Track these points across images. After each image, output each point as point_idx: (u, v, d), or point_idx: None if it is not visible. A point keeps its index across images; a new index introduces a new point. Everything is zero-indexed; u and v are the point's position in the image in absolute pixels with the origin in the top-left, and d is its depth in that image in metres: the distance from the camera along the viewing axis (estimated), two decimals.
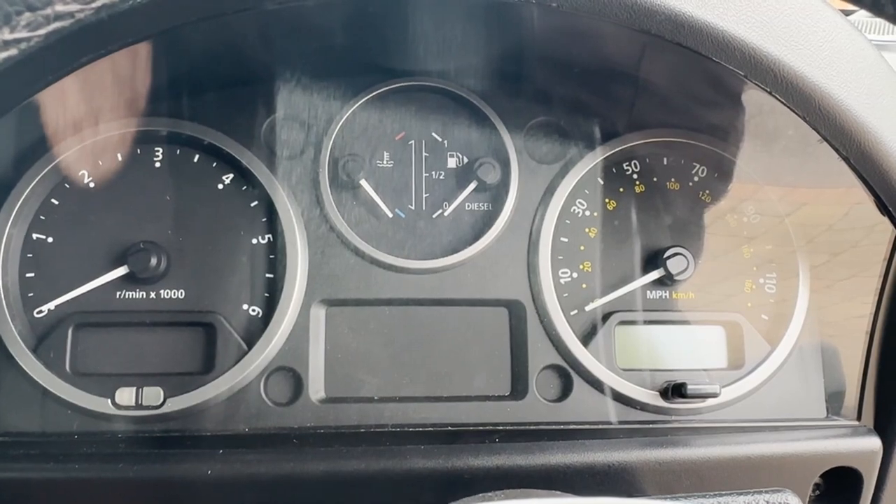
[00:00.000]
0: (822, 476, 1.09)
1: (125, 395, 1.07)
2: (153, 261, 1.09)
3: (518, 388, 1.15)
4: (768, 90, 0.87)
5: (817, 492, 1.12)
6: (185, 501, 1.00)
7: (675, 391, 1.13)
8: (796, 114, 0.88)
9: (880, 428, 1.12)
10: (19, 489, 0.99)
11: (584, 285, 1.19)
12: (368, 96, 1.19)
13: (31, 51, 0.53)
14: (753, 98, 1.08)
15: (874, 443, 1.10)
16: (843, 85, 0.86)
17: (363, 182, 1.17)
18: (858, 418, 1.15)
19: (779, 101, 0.88)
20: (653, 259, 1.19)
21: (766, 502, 0.81)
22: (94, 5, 0.55)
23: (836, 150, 0.89)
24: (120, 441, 1.06)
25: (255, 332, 1.12)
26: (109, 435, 1.07)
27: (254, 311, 1.13)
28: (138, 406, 1.07)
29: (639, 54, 1.09)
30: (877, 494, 1.10)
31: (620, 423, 1.15)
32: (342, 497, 1.00)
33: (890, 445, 1.10)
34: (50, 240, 1.12)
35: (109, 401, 1.07)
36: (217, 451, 1.01)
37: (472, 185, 1.18)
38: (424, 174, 1.20)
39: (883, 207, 0.91)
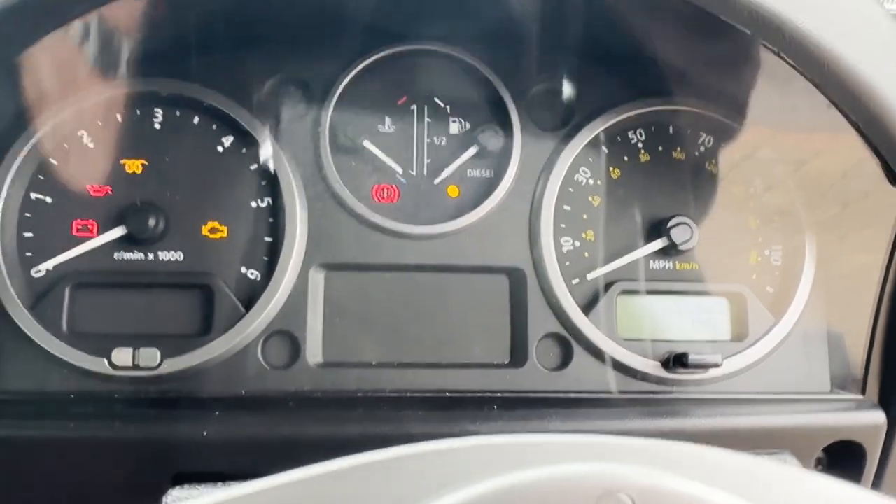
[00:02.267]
0: (824, 450, 1.07)
1: (122, 356, 1.06)
2: (151, 221, 1.09)
3: (518, 356, 1.14)
4: (776, 50, 0.85)
5: (820, 466, 1.10)
6: (180, 462, 1.00)
7: (676, 361, 1.11)
8: (805, 76, 0.87)
9: (885, 402, 1.11)
10: (15, 447, 0.99)
11: (586, 254, 1.18)
12: (370, 60, 1.17)
13: None
14: (763, 65, 1.06)
15: (878, 417, 1.09)
16: (854, 48, 0.84)
17: (367, 143, 1.15)
18: (863, 392, 1.14)
19: (787, 62, 0.86)
20: (656, 228, 1.18)
21: None
22: None
23: (846, 116, 0.88)
24: (116, 401, 1.05)
25: (253, 295, 1.11)
26: (106, 395, 1.06)
27: (252, 274, 1.13)
28: (135, 367, 1.06)
29: (646, 18, 1.07)
30: (880, 469, 1.09)
31: (621, 392, 1.13)
32: None
33: (894, 420, 1.08)
34: (48, 200, 1.12)
35: (106, 361, 1.06)
36: (213, 412, 1.01)
37: (473, 150, 1.17)
38: (426, 140, 1.19)
39: (891, 175, 0.90)
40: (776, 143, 1.21)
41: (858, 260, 1.19)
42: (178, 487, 0.89)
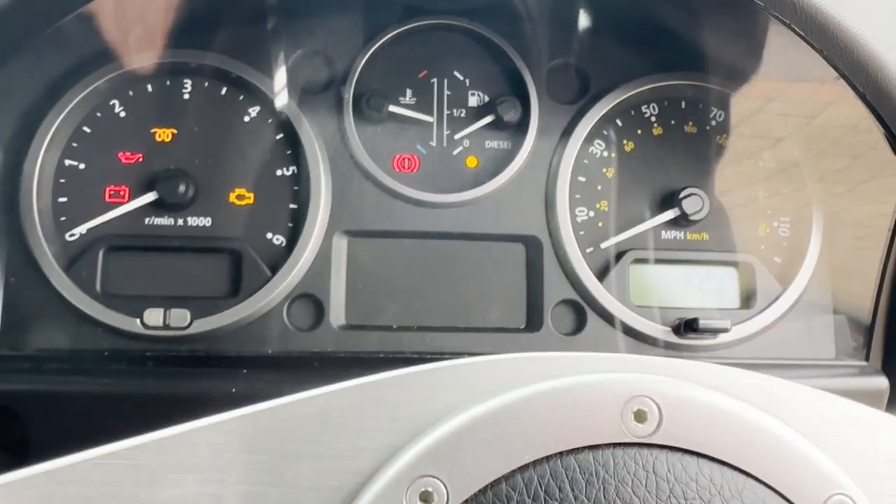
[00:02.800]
0: None
1: (153, 316, 1.10)
2: (181, 187, 1.13)
3: (533, 321, 1.18)
4: (786, 21, 0.88)
5: None
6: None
7: (687, 326, 1.15)
8: (814, 48, 0.89)
9: (888, 368, 1.14)
10: (51, 401, 1.03)
11: (600, 224, 1.22)
12: (393, 33, 1.21)
13: None
14: (773, 39, 1.09)
15: (881, 383, 1.12)
16: (861, 18, 0.87)
17: (392, 108, 1.19)
18: (866, 359, 1.17)
19: (796, 33, 0.89)
20: (668, 199, 1.21)
21: None
22: None
23: (853, 87, 0.90)
24: (148, 359, 1.09)
25: (278, 260, 1.15)
26: (138, 353, 1.10)
27: (277, 239, 1.16)
28: (166, 327, 1.10)
29: None
30: None
31: None
32: None
33: None
34: (82, 166, 1.16)
35: (138, 321, 1.10)
36: (241, 371, 1.05)
37: (490, 118, 1.21)
38: (446, 112, 1.23)
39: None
40: (785, 98, 1.24)
41: (866, 210, 1.22)
42: None
